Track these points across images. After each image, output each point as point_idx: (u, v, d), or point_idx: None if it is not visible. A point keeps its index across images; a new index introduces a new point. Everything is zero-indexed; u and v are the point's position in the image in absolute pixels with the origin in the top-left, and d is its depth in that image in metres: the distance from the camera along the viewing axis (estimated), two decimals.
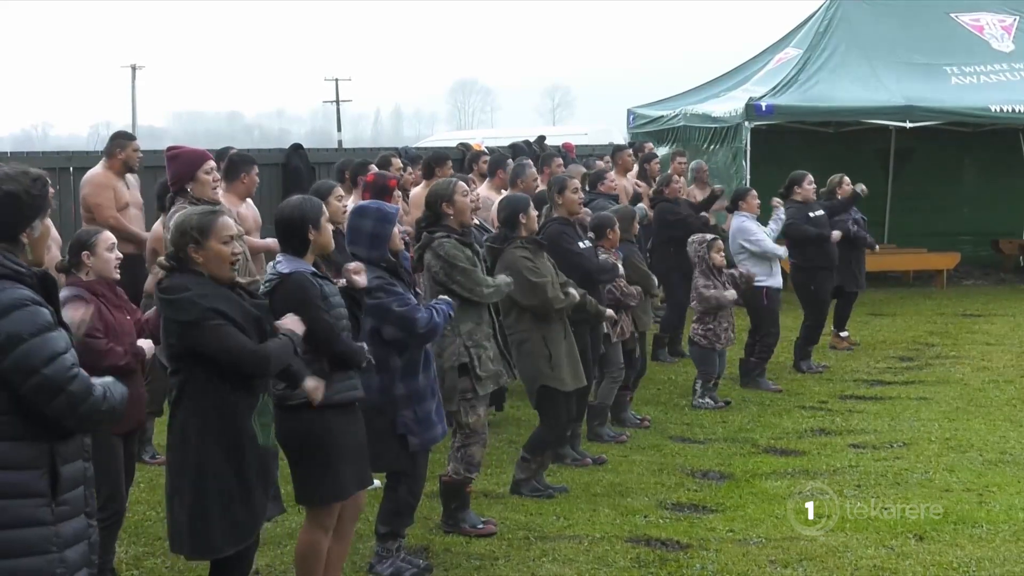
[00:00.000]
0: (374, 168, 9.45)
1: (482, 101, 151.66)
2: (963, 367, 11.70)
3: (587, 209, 9.21)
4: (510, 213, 7.49)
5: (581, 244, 8.29)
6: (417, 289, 6.32)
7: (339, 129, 69.30)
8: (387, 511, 6.21)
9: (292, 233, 5.38)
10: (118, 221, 9.06)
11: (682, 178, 13.32)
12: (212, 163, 7.30)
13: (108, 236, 6.01)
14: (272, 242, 6.57)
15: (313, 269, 5.39)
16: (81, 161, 12.34)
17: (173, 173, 7.32)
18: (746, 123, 16.02)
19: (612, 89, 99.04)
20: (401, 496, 6.18)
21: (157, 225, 7.88)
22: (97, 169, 9.62)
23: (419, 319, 5.87)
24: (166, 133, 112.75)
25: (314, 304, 5.22)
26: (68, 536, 3.75)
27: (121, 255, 6.06)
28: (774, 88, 16.73)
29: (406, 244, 6.37)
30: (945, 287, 17.51)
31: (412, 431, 6.02)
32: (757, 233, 10.91)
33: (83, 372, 3.69)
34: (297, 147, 15.98)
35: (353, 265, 5.71)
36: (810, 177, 11.79)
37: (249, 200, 8.41)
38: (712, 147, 17.24)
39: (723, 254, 10.19)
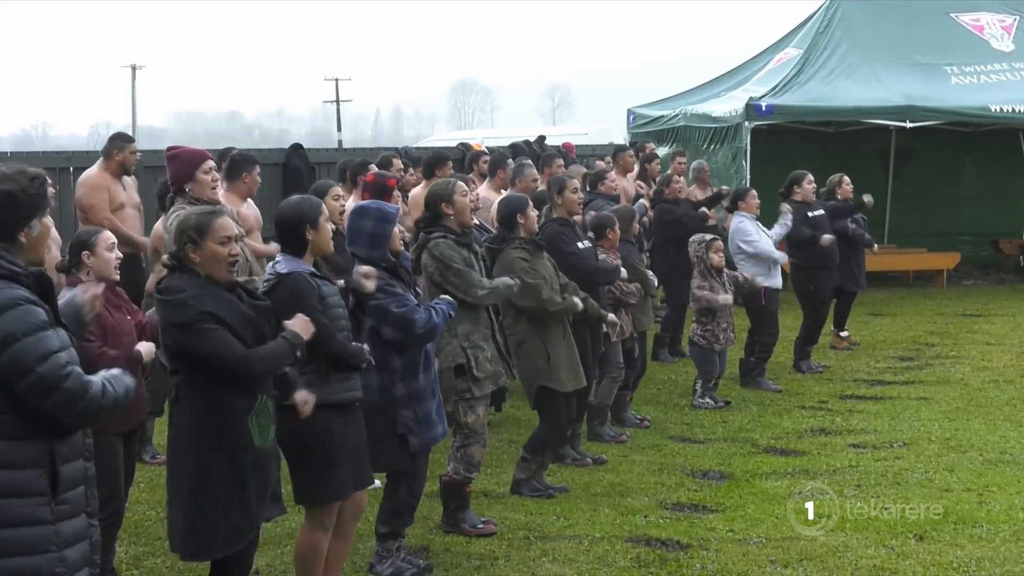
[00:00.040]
0: (374, 168, 9.46)
1: (482, 101, 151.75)
2: (963, 367, 11.70)
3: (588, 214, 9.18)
4: (508, 213, 7.48)
5: (580, 244, 8.27)
6: (417, 289, 6.31)
7: (339, 129, 69.33)
8: (387, 511, 6.21)
9: (290, 233, 5.39)
10: (112, 223, 9.03)
11: (682, 178, 13.32)
12: (211, 163, 7.30)
13: (108, 236, 6.01)
14: (274, 248, 6.57)
15: (312, 269, 5.39)
16: (81, 161, 12.32)
17: (172, 173, 7.33)
18: (746, 123, 16.02)
19: (612, 89, 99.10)
20: (401, 496, 6.17)
21: (158, 224, 7.88)
22: (93, 170, 9.61)
23: (417, 320, 5.86)
24: (166, 133, 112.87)
25: (310, 305, 5.22)
26: (68, 535, 3.75)
27: (121, 255, 6.07)
28: (774, 88, 16.73)
29: (405, 244, 6.36)
30: (945, 287, 17.51)
31: (412, 431, 6.01)
32: (753, 234, 10.90)
33: (78, 369, 3.68)
34: (297, 147, 15.98)
35: (364, 269, 5.71)
36: (810, 177, 11.78)
37: (250, 200, 8.40)
38: (712, 147, 17.23)
39: (722, 255, 10.18)
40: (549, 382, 7.41)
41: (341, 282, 5.64)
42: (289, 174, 15.17)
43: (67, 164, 12.87)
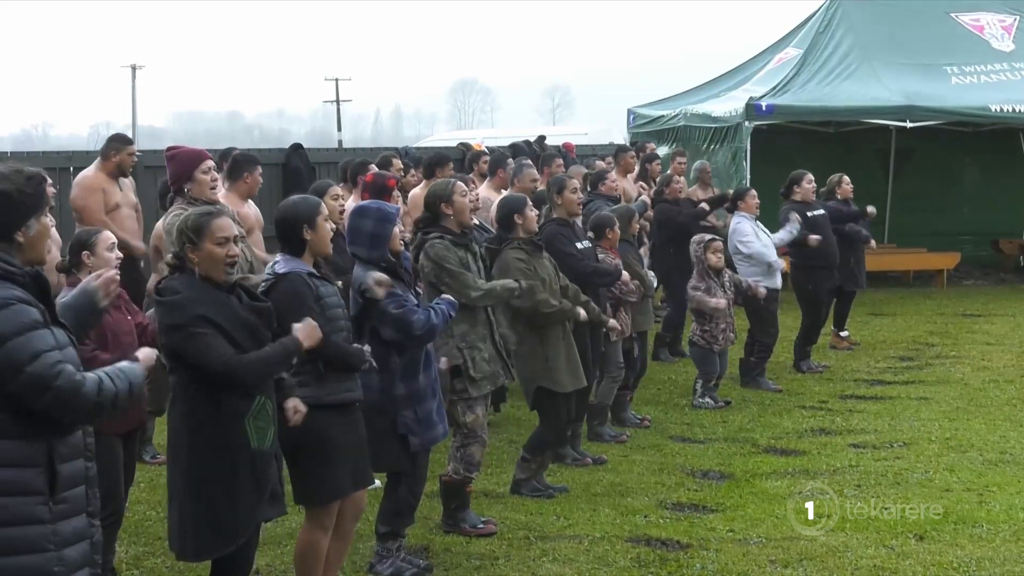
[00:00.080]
0: (374, 168, 9.45)
1: (482, 101, 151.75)
2: (963, 367, 11.70)
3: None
4: (506, 214, 7.47)
5: (579, 245, 8.25)
6: (418, 289, 6.31)
7: (339, 129, 69.34)
8: (387, 511, 6.21)
9: (288, 233, 5.40)
10: (105, 225, 9.02)
11: (682, 178, 13.31)
12: (210, 163, 7.30)
13: (108, 236, 6.02)
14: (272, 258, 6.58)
15: (310, 269, 5.38)
16: (81, 161, 12.31)
17: (172, 173, 7.34)
18: (746, 123, 16.01)
19: (612, 89, 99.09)
20: (401, 496, 6.17)
21: (159, 224, 7.88)
22: (89, 171, 9.59)
23: (415, 321, 5.85)
24: (166, 133, 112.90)
25: (305, 305, 5.22)
26: (67, 535, 3.74)
27: (121, 255, 6.06)
28: (774, 88, 16.73)
29: (404, 244, 6.35)
30: (945, 287, 17.51)
31: (413, 431, 6.01)
32: (749, 235, 10.91)
33: (69, 368, 3.66)
34: (297, 147, 15.97)
35: (378, 277, 5.70)
36: (810, 176, 11.78)
37: (250, 200, 8.39)
38: (712, 147, 17.23)
39: (720, 255, 10.16)
40: (547, 383, 7.40)
41: (339, 283, 5.63)
42: (289, 174, 15.16)
43: (67, 164, 12.85)
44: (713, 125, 17.28)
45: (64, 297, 5.62)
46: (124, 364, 3.88)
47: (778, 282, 10.99)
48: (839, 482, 7.78)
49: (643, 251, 11.56)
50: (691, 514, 7.24)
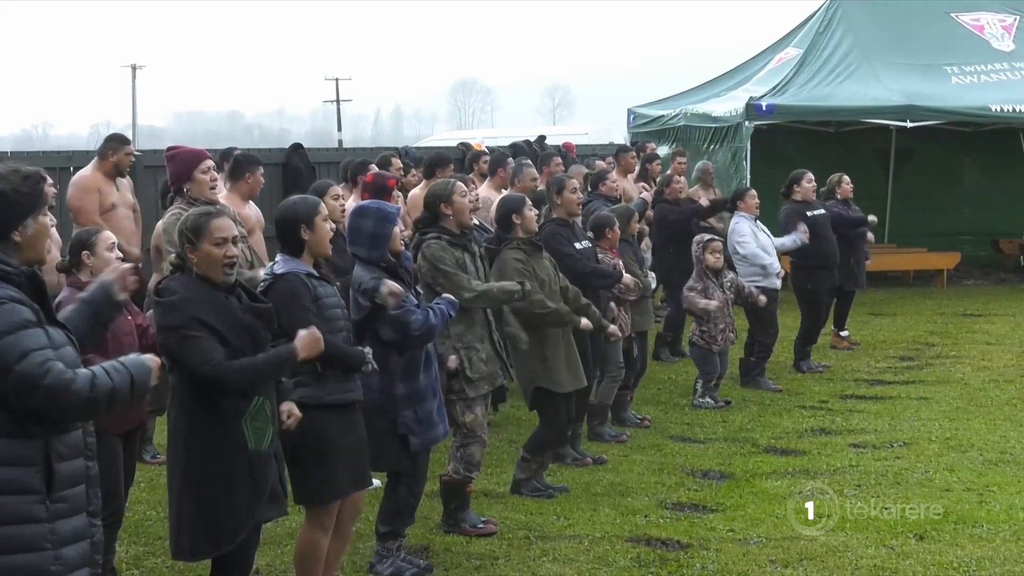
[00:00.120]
0: (374, 168, 9.45)
1: (482, 101, 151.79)
2: (963, 367, 11.69)
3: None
4: (504, 214, 7.45)
5: (578, 245, 8.24)
6: (418, 289, 6.30)
7: (339, 129, 69.38)
8: (388, 511, 6.21)
9: (287, 234, 5.41)
10: (98, 226, 9.00)
11: (683, 178, 13.30)
12: (209, 163, 7.30)
13: (108, 236, 6.01)
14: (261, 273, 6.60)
15: (308, 269, 5.38)
16: (81, 161, 12.29)
17: (172, 173, 7.34)
18: (746, 123, 16.01)
19: (612, 89, 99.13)
20: (402, 496, 6.17)
21: (160, 224, 7.88)
22: (85, 171, 9.58)
23: (412, 321, 5.85)
24: (166, 133, 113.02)
25: (300, 305, 5.22)
26: (65, 534, 3.73)
27: (121, 255, 6.06)
28: (774, 88, 16.72)
29: (404, 244, 6.35)
30: (945, 287, 17.51)
31: (413, 431, 6.01)
32: (746, 236, 10.91)
33: (59, 365, 3.63)
34: (297, 147, 15.97)
35: (392, 288, 5.68)
36: (810, 175, 11.78)
37: (251, 201, 8.38)
38: (712, 147, 17.22)
39: (718, 255, 10.13)
40: (546, 383, 7.40)
41: (337, 284, 5.63)
42: (289, 174, 15.15)
43: (67, 164, 12.84)
44: (713, 125, 17.28)
45: (64, 295, 5.65)
46: (129, 357, 3.86)
47: (777, 283, 10.99)
48: (839, 482, 7.78)
49: (647, 250, 11.57)
50: (691, 514, 7.24)
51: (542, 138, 18.17)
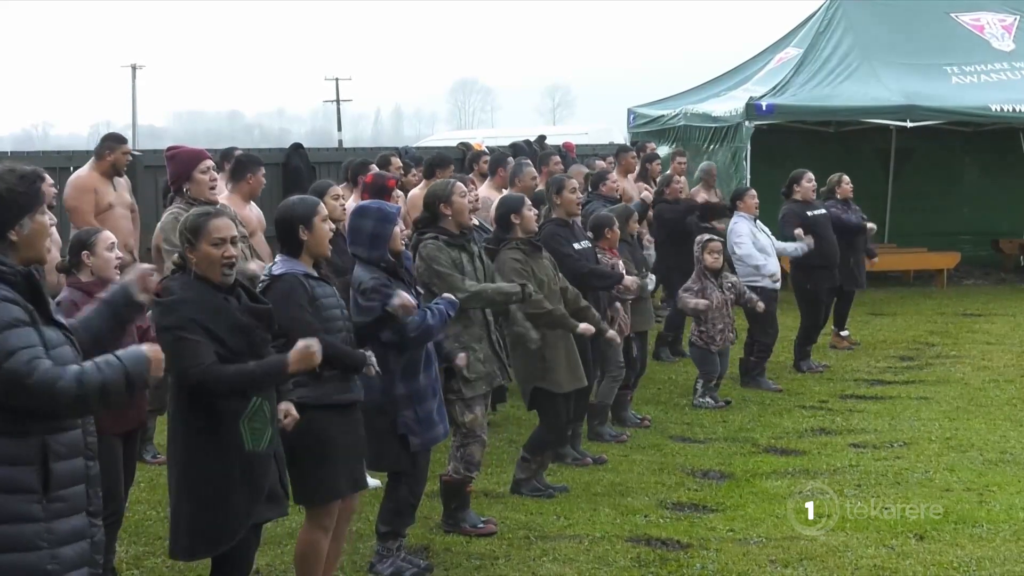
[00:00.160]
0: (374, 168, 9.44)
1: (482, 101, 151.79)
2: (963, 367, 11.69)
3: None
4: (503, 214, 7.45)
5: (577, 245, 8.23)
6: (418, 289, 6.29)
7: (339, 129, 69.38)
8: (388, 510, 6.21)
9: (286, 234, 5.41)
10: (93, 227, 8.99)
11: (683, 178, 13.29)
12: (209, 163, 7.30)
13: (108, 236, 6.00)
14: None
15: (306, 270, 5.37)
16: (81, 160, 12.28)
17: (171, 173, 7.35)
18: (746, 123, 16.01)
19: (612, 89, 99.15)
20: (402, 496, 6.17)
21: (160, 224, 7.88)
22: (82, 171, 9.57)
23: (409, 322, 5.83)
24: (166, 133, 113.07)
25: (296, 305, 5.21)
26: (63, 533, 3.72)
27: (121, 255, 6.06)
28: (774, 88, 16.72)
29: (405, 244, 6.34)
30: (945, 287, 17.51)
31: (413, 431, 6.01)
32: (743, 236, 10.91)
33: (45, 363, 3.61)
34: (297, 147, 15.98)
35: (404, 302, 5.66)
36: (810, 175, 11.77)
37: (252, 201, 8.37)
38: (712, 147, 17.22)
39: (716, 255, 10.12)
40: (544, 383, 7.39)
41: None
42: (289, 174, 15.17)
43: (67, 164, 12.85)
44: (713, 125, 17.27)
45: (64, 295, 5.65)
46: (126, 349, 3.82)
47: (773, 284, 10.96)
48: (839, 482, 7.78)
49: (650, 246, 11.55)
50: (691, 514, 7.24)
51: (542, 138, 18.17)
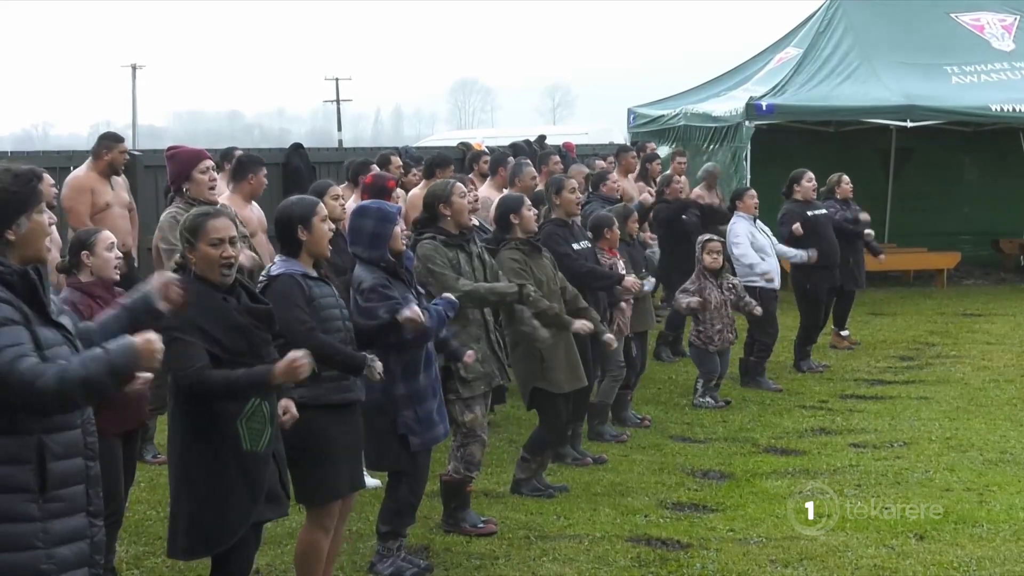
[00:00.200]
0: (375, 169, 9.44)
1: (482, 101, 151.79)
2: (963, 367, 11.69)
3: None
4: (502, 213, 7.44)
5: (576, 245, 8.22)
6: (418, 288, 6.29)
7: (339, 128, 69.39)
8: (388, 510, 6.21)
9: (285, 234, 5.40)
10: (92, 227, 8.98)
11: (683, 178, 13.29)
12: (208, 163, 7.30)
13: (107, 236, 6.00)
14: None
15: (305, 270, 5.36)
16: (81, 160, 12.24)
17: (171, 173, 7.35)
18: (746, 123, 16.01)
19: (612, 89, 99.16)
20: (402, 495, 6.17)
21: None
22: (80, 171, 9.56)
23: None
24: (166, 133, 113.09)
25: (293, 304, 5.21)
26: (60, 533, 3.71)
27: (121, 255, 6.05)
28: (774, 88, 16.73)
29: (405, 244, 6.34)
30: (945, 287, 17.51)
31: (413, 431, 6.01)
32: (741, 237, 10.91)
33: (28, 361, 3.57)
34: (297, 147, 15.98)
35: (412, 315, 5.65)
36: (810, 175, 11.77)
37: (253, 202, 8.37)
38: (712, 147, 17.22)
39: (715, 256, 10.10)
40: (543, 383, 7.39)
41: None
42: (289, 174, 15.16)
43: (67, 164, 12.84)
44: (713, 125, 17.27)
45: (64, 295, 5.64)
46: (113, 342, 3.72)
47: (770, 283, 10.96)
48: (839, 482, 7.78)
49: (654, 248, 11.55)
50: (691, 514, 7.24)
51: (542, 138, 18.16)
